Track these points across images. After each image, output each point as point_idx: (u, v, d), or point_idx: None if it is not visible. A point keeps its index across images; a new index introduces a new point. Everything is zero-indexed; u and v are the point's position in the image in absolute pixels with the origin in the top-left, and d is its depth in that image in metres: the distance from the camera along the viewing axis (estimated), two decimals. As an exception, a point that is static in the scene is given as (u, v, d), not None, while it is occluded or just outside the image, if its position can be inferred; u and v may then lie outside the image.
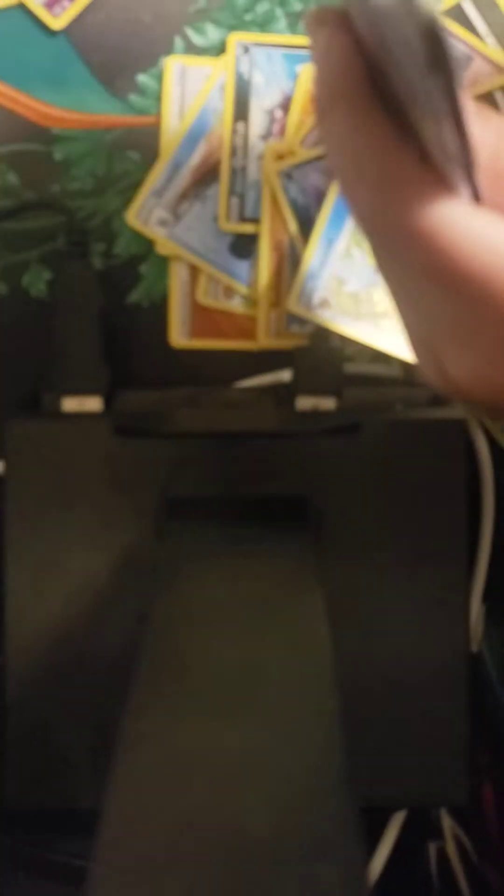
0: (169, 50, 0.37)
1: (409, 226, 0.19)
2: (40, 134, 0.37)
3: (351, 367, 0.37)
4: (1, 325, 0.38)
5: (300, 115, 0.37)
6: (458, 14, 0.36)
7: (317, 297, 0.35)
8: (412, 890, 0.39)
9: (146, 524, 0.32)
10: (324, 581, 0.27)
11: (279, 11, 0.36)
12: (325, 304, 0.35)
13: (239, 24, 0.36)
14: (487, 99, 0.36)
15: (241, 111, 0.37)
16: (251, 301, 0.38)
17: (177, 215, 0.37)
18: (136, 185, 0.37)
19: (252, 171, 0.37)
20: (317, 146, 0.36)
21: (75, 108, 0.37)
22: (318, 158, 0.36)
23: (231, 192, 0.37)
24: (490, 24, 0.37)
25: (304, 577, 0.27)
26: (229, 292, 0.38)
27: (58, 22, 0.36)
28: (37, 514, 0.32)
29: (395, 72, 0.18)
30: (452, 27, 0.36)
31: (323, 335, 0.35)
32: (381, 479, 0.32)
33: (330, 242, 0.35)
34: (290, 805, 0.18)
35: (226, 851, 0.17)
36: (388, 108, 0.20)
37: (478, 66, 0.36)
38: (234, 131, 0.37)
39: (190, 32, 0.37)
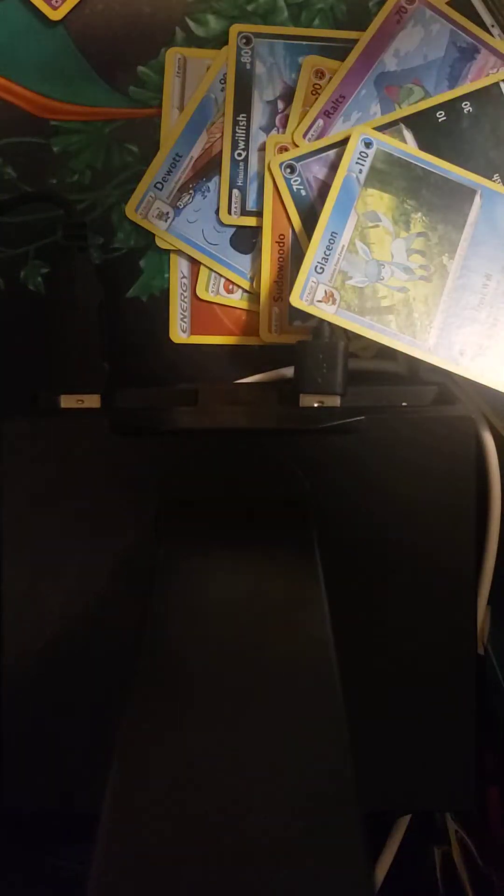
0: (169, 41, 0.36)
1: None
2: (38, 126, 0.36)
3: (355, 364, 0.36)
4: (-2, 320, 0.37)
5: (302, 107, 0.36)
6: (465, 5, 0.36)
7: (320, 292, 0.35)
8: (417, 894, 0.39)
9: (145, 523, 0.31)
10: (326, 581, 0.26)
11: (281, 2, 0.36)
12: (328, 298, 0.35)
13: (240, 15, 0.36)
14: (493, 91, 0.36)
15: (243, 103, 0.36)
16: (253, 296, 0.37)
17: (177, 208, 0.37)
18: (135, 178, 0.37)
19: (254, 163, 0.36)
20: (319, 138, 0.36)
21: (74, 100, 0.36)
22: (321, 150, 0.36)
23: (232, 184, 0.36)
24: (496, 16, 0.36)
25: (306, 577, 0.27)
26: (230, 287, 0.37)
27: (56, 13, 0.36)
28: (34, 513, 0.32)
29: None
30: (458, 18, 0.36)
31: (326, 331, 0.35)
32: (386, 477, 0.32)
33: (333, 236, 0.35)
34: (294, 809, 0.18)
35: (227, 857, 0.17)
36: None
37: (484, 57, 0.36)
38: (235, 123, 0.36)
39: (191, 23, 0.36)
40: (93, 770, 0.32)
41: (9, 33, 0.36)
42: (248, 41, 0.36)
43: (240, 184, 0.37)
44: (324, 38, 0.36)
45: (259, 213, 0.37)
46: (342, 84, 0.36)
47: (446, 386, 0.36)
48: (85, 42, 0.36)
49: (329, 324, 0.35)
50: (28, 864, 0.38)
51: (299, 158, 0.36)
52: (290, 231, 0.37)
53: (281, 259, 0.37)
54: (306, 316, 0.36)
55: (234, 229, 0.37)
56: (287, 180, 0.36)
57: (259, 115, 0.36)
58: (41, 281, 0.37)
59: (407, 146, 0.35)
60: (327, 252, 0.35)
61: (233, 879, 0.16)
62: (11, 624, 0.32)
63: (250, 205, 0.37)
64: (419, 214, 0.35)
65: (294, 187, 0.36)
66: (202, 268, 0.37)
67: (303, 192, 0.36)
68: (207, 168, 0.37)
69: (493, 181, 0.35)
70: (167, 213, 0.37)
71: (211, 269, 0.37)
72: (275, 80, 0.36)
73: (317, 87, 0.36)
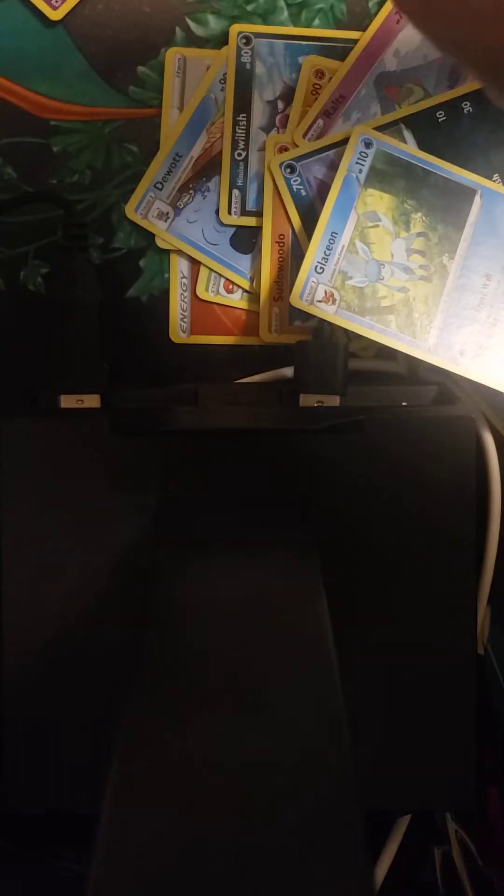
0: (169, 41, 0.36)
1: None
2: (38, 126, 0.36)
3: (355, 364, 0.36)
4: (-2, 320, 0.37)
5: (302, 107, 0.36)
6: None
7: (320, 292, 0.35)
8: (417, 894, 0.39)
9: (145, 523, 0.31)
10: (326, 581, 0.26)
11: (281, 2, 0.36)
12: (328, 298, 0.35)
13: (240, 15, 0.36)
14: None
15: (243, 103, 0.36)
16: (253, 296, 0.37)
17: (177, 208, 0.37)
18: (135, 178, 0.37)
19: (254, 163, 0.36)
20: (319, 138, 0.36)
21: (73, 100, 0.36)
22: (321, 150, 0.36)
23: (232, 184, 0.36)
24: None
25: (306, 577, 0.27)
26: (230, 287, 0.37)
27: (56, 13, 0.36)
28: (34, 514, 0.32)
29: None
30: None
31: (326, 330, 0.35)
32: (386, 477, 0.32)
33: (333, 236, 0.35)
34: (294, 809, 0.18)
35: (227, 857, 0.17)
36: None
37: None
38: (235, 123, 0.36)
39: (191, 23, 0.36)
40: (93, 770, 0.32)
41: (9, 33, 0.36)
42: (248, 41, 0.36)
43: (240, 184, 0.37)
44: (324, 38, 0.36)
45: (259, 213, 0.37)
46: (342, 84, 0.36)
47: (446, 386, 0.36)
48: (85, 42, 0.36)
49: (329, 324, 0.35)
50: (28, 864, 0.38)
51: (299, 158, 0.36)
52: (290, 231, 0.37)
53: (281, 259, 0.37)
54: (306, 316, 0.36)
55: (234, 229, 0.37)
56: (287, 180, 0.36)
57: (259, 115, 0.36)
58: (41, 281, 0.37)
59: (407, 146, 0.35)
60: (327, 252, 0.35)
61: (233, 879, 0.16)
62: (11, 624, 0.32)
63: (250, 205, 0.37)
64: (419, 214, 0.35)
65: (294, 187, 0.36)
66: (202, 268, 0.37)
67: (303, 192, 0.36)
68: (207, 168, 0.37)
69: (493, 181, 0.35)
70: (167, 213, 0.37)
71: (211, 269, 0.37)
72: (275, 80, 0.36)
73: (317, 87, 0.36)
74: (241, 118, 0.36)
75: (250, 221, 0.37)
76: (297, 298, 0.35)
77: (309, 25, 0.36)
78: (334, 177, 0.35)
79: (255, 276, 0.37)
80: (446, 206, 0.35)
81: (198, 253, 0.37)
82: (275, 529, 0.30)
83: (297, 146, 0.36)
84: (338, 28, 0.36)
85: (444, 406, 0.34)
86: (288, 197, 0.36)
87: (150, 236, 0.37)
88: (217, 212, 0.37)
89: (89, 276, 0.34)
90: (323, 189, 0.36)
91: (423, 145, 0.36)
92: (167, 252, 0.37)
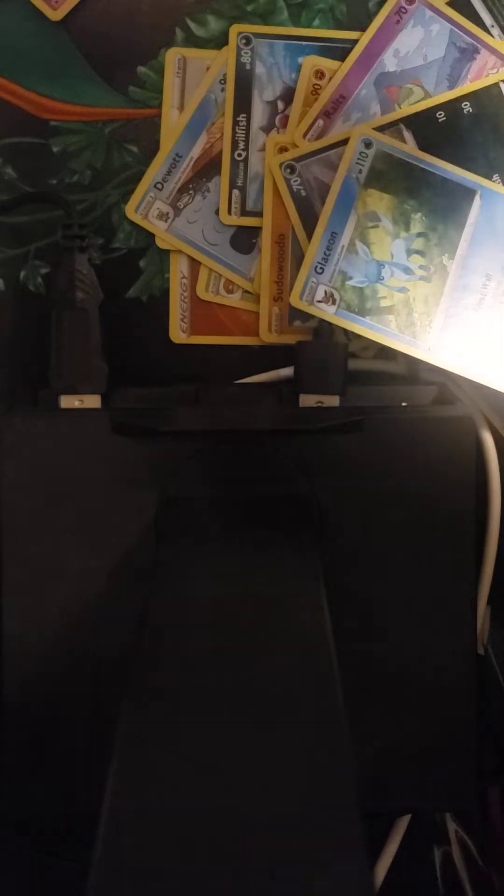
0: (169, 41, 0.36)
1: None
2: (38, 126, 0.36)
3: (355, 364, 0.36)
4: (-2, 320, 0.37)
5: (302, 107, 0.36)
6: (464, 5, 0.36)
7: (320, 292, 0.35)
8: (417, 894, 0.39)
9: (145, 523, 0.31)
10: (327, 581, 0.26)
11: (281, 2, 0.36)
12: (328, 298, 0.35)
13: (240, 16, 0.36)
14: (493, 91, 0.36)
15: (243, 103, 0.36)
16: (253, 296, 0.37)
17: (177, 208, 0.37)
18: (135, 178, 0.37)
19: (254, 163, 0.36)
20: (319, 138, 0.36)
21: (73, 100, 0.36)
22: (321, 150, 0.36)
23: (232, 184, 0.36)
24: (496, 16, 0.36)
25: (306, 577, 0.27)
26: (231, 287, 0.37)
27: (56, 13, 0.36)
28: (34, 514, 0.32)
29: None
30: (458, 19, 0.36)
31: (326, 331, 0.35)
32: (386, 477, 0.32)
33: (333, 236, 0.35)
34: (294, 809, 0.18)
35: (227, 858, 0.17)
36: None
37: (483, 57, 0.36)
38: (235, 123, 0.36)
39: (191, 23, 0.36)
40: (92, 771, 0.32)
41: (9, 33, 0.36)
42: (248, 41, 0.36)
43: (240, 184, 0.37)
44: (324, 38, 0.36)
45: (259, 213, 0.37)
46: (342, 84, 0.36)
47: (446, 386, 0.36)
48: (85, 42, 0.36)
49: (329, 324, 0.35)
50: (28, 864, 0.38)
51: (299, 158, 0.36)
52: (290, 231, 0.37)
53: (281, 259, 0.37)
54: (306, 316, 0.36)
55: (234, 229, 0.37)
56: (287, 180, 0.36)
57: (259, 115, 0.36)
58: (41, 281, 0.37)
59: (407, 146, 0.35)
60: (327, 252, 0.35)
61: (232, 880, 0.16)
62: (11, 624, 0.32)
63: (250, 205, 0.37)
64: (419, 214, 0.35)
65: (294, 187, 0.36)
66: (202, 268, 0.37)
67: (303, 192, 0.36)
68: (207, 168, 0.37)
69: (493, 181, 0.35)
70: (167, 214, 0.37)
71: (211, 269, 0.37)
72: (275, 80, 0.36)
73: (317, 87, 0.36)
74: (241, 118, 0.36)
75: (250, 221, 0.37)
76: (297, 298, 0.35)
77: (309, 26, 0.36)
78: (334, 177, 0.35)
79: (255, 276, 0.37)
80: (446, 206, 0.35)
81: (198, 253, 0.37)
82: (275, 529, 0.30)
83: (297, 146, 0.36)
84: (338, 28, 0.36)
85: (444, 406, 0.34)
86: (288, 197, 0.36)
87: (150, 236, 0.37)
88: (217, 212, 0.37)
89: (89, 276, 0.34)
90: (323, 189, 0.36)
91: (423, 145, 0.36)
92: (167, 252, 0.37)
